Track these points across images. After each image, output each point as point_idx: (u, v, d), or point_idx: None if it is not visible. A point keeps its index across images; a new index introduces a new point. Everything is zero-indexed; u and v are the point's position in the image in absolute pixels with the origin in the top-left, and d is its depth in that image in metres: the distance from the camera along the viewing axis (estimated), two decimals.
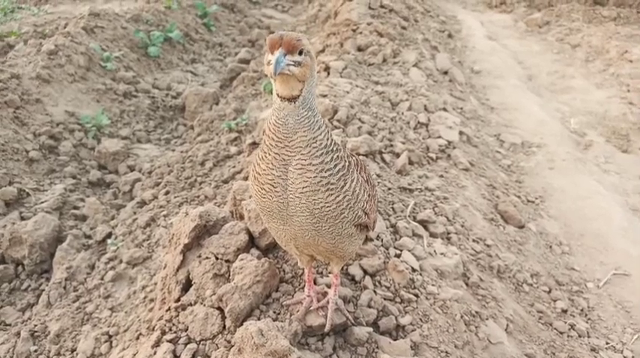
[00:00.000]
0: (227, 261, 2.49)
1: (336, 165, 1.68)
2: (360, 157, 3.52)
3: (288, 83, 1.60)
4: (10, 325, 3.62)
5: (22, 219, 4.32)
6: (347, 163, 1.75)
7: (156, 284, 3.22)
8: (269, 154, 1.67)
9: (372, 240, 2.29)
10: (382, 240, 2.84)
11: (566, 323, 3.14)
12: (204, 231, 2.64)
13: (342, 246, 1.90)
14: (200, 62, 8.08)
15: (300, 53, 1.57)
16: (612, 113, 6.20)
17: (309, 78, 1.64)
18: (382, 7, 7.03)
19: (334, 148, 1.70)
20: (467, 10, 11.16)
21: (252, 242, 2.61)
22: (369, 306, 2.36)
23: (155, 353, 2.21)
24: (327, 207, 1.70)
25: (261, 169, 1.71)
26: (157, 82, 7.08)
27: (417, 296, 2.53)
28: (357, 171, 1.82)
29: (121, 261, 3.82)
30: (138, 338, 2.76)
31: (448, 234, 3.27)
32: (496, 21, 10.43)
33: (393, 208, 3.25)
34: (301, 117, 1.62)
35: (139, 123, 6.18)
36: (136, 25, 7.80)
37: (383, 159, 3.79)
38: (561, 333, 3.06)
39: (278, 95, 1.63)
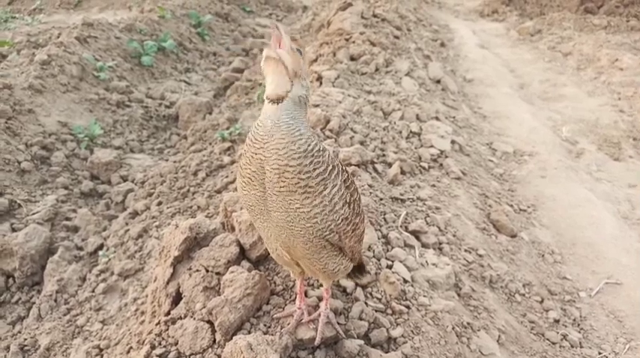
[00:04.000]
0: (217, 273, 2.48)
1: (315, 169, 1.67)
2: (352, 168, 3.53)
3: (277, 74, 1.65)
4: None
5: (13, 230, 4.29)
6: (330, 168, 1.72)
7: (147, 296, 3.20)
8: (248, 152, 1.72)
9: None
10: (374, 251, 2.84)
11: (558, 333, 3.14)
12: (195, 243, 2.63)
13: (318, 257, 1.87)
14: (194, 71, 8.08)
15: (298, 51, 1.67)
16: (604, 121, 6.24)
17: (297, 82, 1.69)
18: (375, 16, 7.07)
19: (315, 154, 1.68)
20: (459, 19, 11.26)
21: (242, 254, 2.60)
22: (361, 318, 2.35)
23: None
24: (302, 208, 1.68)
25: (242, 163, 1.75)
26: (151, 91, 7.07)
27: (408, 307, 2.52)
28: (341, 179, 1.78)
29: (112, 273, 3.80)
30: (129, 351, 2.74)
31: (440, 244, 3.27)
32: (488, 30, 10.52)
33: (384, 218, 3.25)
34: (280, 121, 1.64)
35: (132, 133, 6.16)
36: (130, 34, 7.81)
37: (375, 169, 3.80)
38: (553, 344, 3.05)
39: (266, 97, 1.69)
